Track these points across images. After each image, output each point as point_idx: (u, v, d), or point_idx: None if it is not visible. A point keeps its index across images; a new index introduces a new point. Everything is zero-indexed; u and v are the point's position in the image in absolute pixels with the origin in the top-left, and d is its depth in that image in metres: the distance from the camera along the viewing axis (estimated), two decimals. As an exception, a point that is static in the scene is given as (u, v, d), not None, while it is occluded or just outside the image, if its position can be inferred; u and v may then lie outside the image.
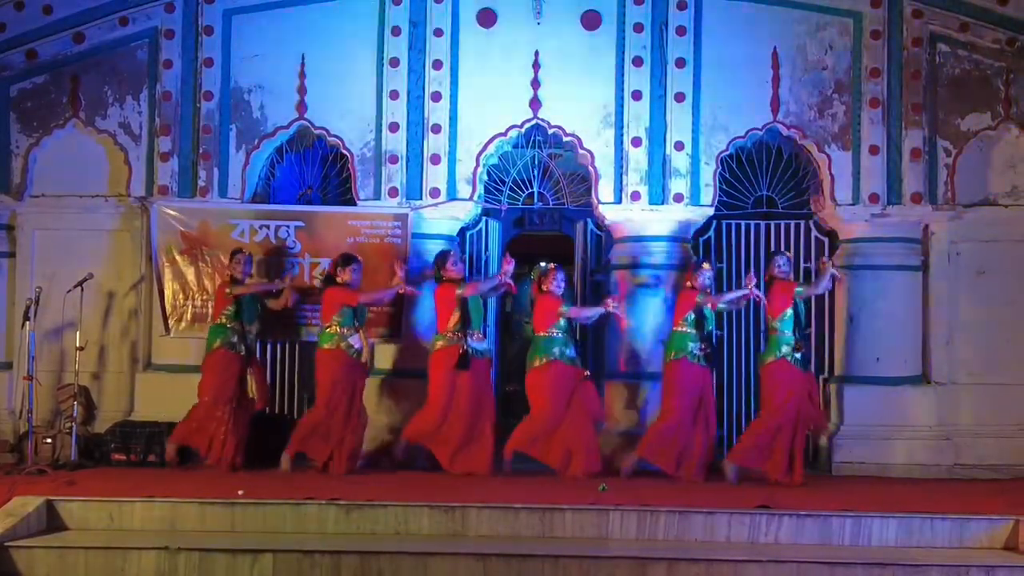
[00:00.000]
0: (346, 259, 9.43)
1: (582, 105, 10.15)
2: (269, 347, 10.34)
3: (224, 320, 9.51)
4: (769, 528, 7.63)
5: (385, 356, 10.10)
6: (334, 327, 9.31)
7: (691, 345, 9.29)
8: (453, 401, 9.32)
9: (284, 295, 9.68)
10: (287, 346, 10.42)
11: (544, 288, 9.49)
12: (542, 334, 9.40)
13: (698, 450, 9.23)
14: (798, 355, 9.16)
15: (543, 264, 11.62)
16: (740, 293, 9.49)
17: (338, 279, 9.38)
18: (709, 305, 9.32)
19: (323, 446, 9.27)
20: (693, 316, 9.32)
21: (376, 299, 9.64)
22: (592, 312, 9.76)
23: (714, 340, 9.55)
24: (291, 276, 9.78)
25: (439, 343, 9.43)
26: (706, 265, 9.48)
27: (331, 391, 9.26)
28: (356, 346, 9.32)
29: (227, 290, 9.55)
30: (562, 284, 9.55)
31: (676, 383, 9.30)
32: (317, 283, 9.72)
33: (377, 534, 7.67)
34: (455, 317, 9.38)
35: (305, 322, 9.98)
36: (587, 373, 9.47)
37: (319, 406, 9.32)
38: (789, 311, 9.23)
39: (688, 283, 9.45)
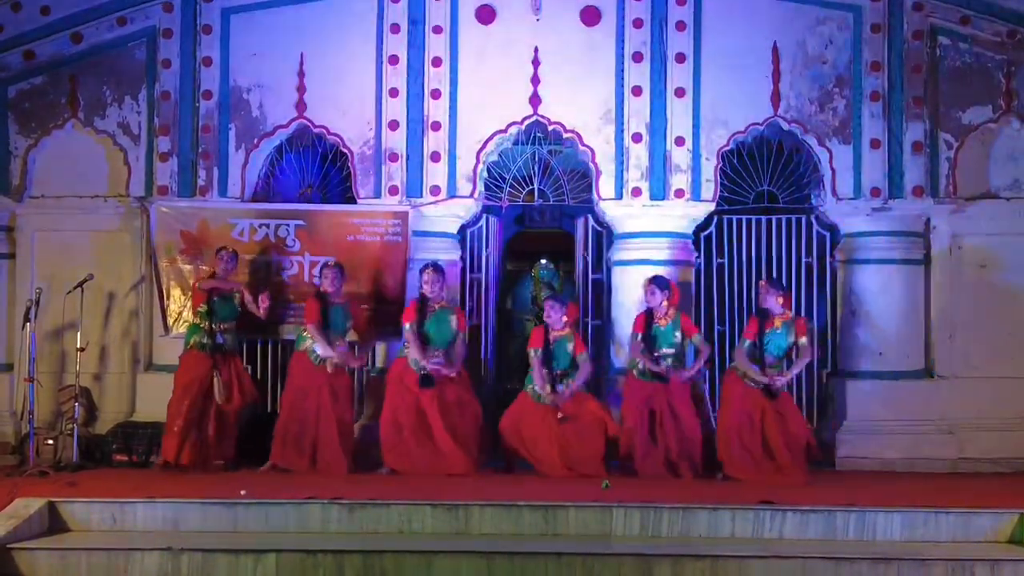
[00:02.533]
0: (323, 266, 9.54)
1: (582, 101, 10.14)
2: (269, 346, 10.34)
3: (197, 319, 9.49)
4: (773, 524, 7.61)
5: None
6: (305, 331, 9.43)
7: (638, 362, 9.44)
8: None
9: (259, 305, 9.59)
10: (279, 345, 10.42)
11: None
12: None
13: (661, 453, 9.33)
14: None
15: (543, 261, 11.64)
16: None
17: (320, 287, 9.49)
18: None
19: (297, 457, 9.30)
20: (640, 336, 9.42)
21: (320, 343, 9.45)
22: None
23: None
24: (267, 295, 9.58)
25: None
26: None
27: (291, 395, 9.40)
28: (318, 352, 9.32)
29: (197, 284, 9.56)
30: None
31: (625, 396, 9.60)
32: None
33: (380, 533, 7.64)
34: None
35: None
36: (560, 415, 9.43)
37: (282, 409, 9.46)
38: (747, 342, 9.29)
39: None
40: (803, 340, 9.28)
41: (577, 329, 9.89)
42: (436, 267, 9.53)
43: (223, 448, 9.46)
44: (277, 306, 9.81)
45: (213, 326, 9.42)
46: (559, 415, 9.29)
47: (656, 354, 9.35)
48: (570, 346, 9.49)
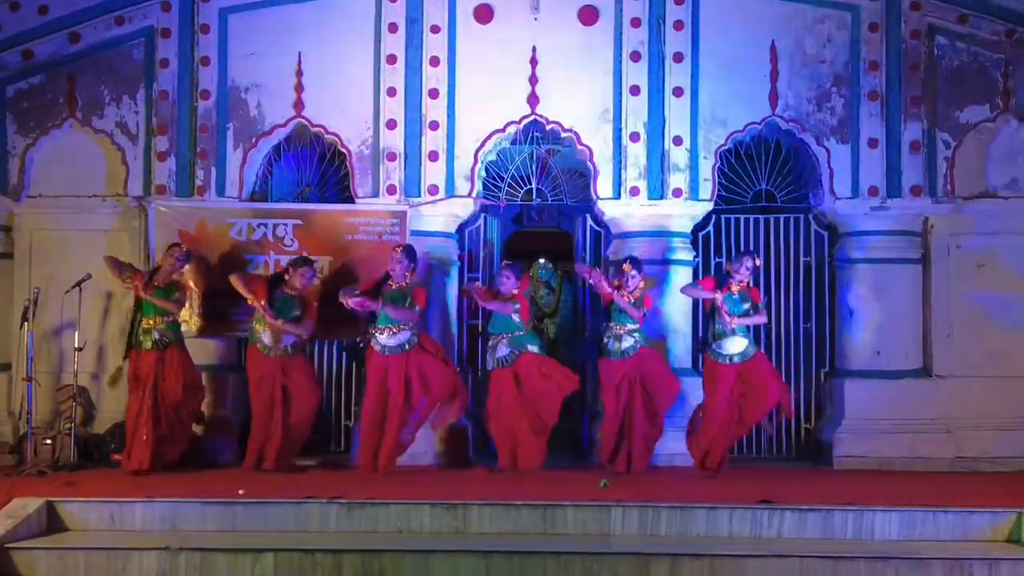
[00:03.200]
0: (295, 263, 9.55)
1: (580, 101, 10.14)
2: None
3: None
4: (771, 523, 7.63)
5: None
6: (255, 323, 9.48)
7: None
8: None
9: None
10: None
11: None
12: None
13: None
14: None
15: (541, 260, 11.63)
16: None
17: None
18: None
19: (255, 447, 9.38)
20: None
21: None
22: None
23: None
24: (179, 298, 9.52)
25: None
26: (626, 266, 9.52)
27: (251, 388, 9.50)
28: (265, 341, 9.38)
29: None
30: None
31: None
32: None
33: (379, 532, 7.67)
34: None
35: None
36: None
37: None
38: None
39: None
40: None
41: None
42: (406, 248, 9.48)
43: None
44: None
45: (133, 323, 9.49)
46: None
47: None
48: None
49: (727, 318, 9.17)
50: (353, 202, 10.19)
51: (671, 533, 7.62)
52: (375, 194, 10.13)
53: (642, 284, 9.50)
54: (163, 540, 7.33)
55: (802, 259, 10.40)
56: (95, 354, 10.17)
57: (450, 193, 10.14)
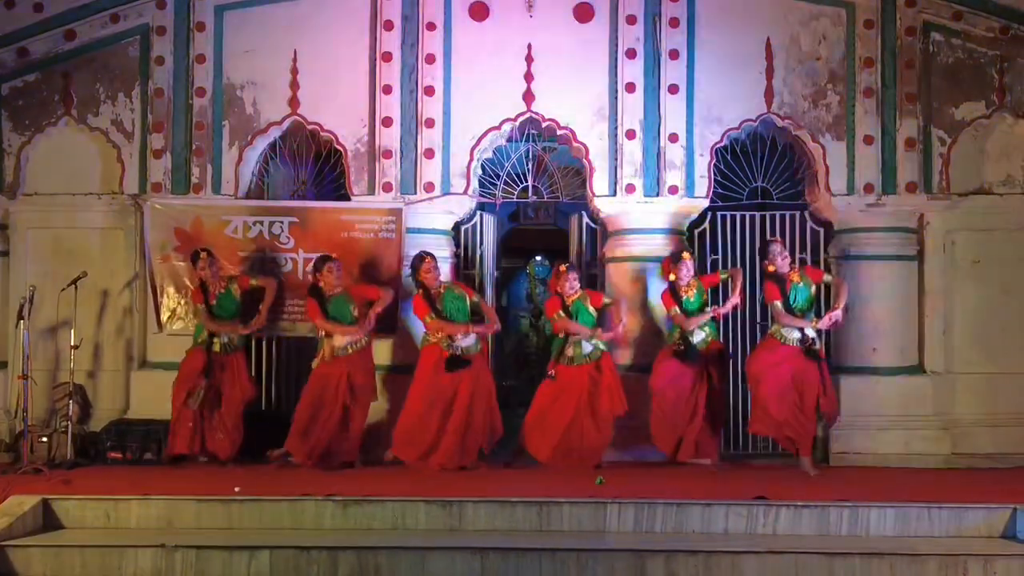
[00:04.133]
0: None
1: (576, 98, 10.13)
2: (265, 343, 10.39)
3: None
4: (767, 519, 7.63)
5: (382, 351, 10.04)
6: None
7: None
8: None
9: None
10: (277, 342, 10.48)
11: None
12: None
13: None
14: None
15: (538, 258, 11.64)
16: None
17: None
18: None
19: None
20: None
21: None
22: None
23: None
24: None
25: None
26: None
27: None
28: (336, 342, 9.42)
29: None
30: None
31: None
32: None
33: (374, 530, 7.66)
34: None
35: (282, 318, 10.01)
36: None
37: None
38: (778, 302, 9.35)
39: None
40: (827, 278, 9.51)
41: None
42: (431, 255, 9.57)
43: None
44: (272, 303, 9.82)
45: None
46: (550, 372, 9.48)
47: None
48: (588, 303, 9.61)
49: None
50: (349, 200, 10.19)
51: (667, 530, 7.62)
52: (371, 192, 10.12)
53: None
54: (159, 538, 7.31)
55: (798, 256, 10.38)
56: (91, 352, 10.18)
57: (446, 191, 10.14)
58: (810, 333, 9.22)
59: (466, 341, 9.38)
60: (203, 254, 9.56)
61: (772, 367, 9.20)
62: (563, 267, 9.68)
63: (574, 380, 9.46)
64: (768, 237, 9.89)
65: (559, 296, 9.59)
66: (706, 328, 9.56)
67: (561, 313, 9.48)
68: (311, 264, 9.61)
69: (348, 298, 9.50)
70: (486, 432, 9.44)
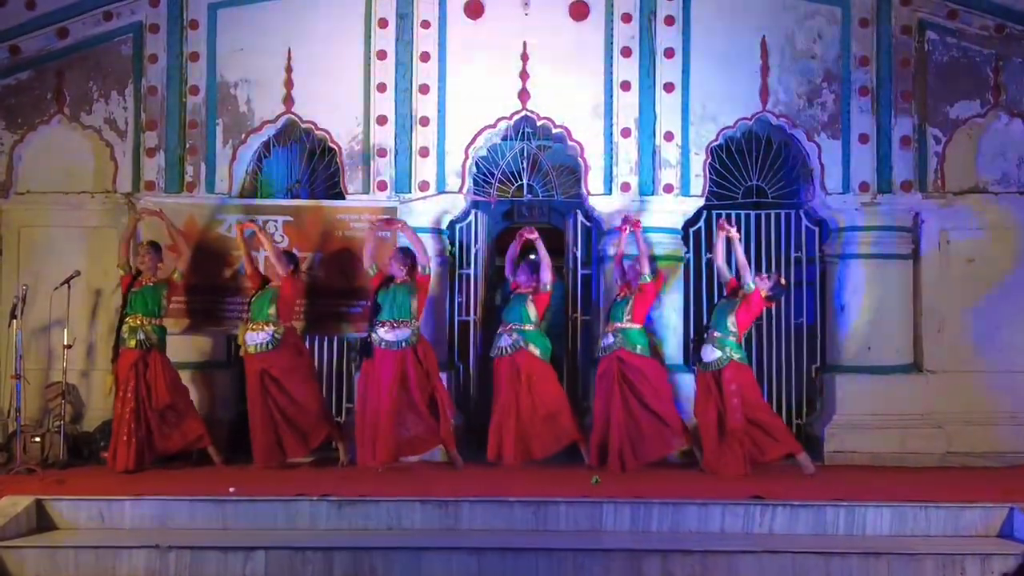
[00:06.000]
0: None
1: (571, 96, 10.11)
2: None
3: None
4: (763, 519, 7.62)
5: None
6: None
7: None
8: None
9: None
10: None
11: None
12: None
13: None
14: None
15: (532, 257, 11.61)
16: None
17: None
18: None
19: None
20: None
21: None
22: None
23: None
24: None
25: None
26: None
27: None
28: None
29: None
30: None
31: None
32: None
33: (369, 530, 7.64)
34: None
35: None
36: None
37: None
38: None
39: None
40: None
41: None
42: (403, 250, 9.51)
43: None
44: None
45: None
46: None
47: None
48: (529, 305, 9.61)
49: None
50: (343, 198, 10.15)
51: (663, 529, 7.61)
52: (365, 190, 10.09)
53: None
54: (153, 538, 7.28)
55: (793, 254, 10.39)
56: (84, 351, 10.13)
57: (441, 189, 10.11)
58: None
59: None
60: (146, 245, 9.49)
61: None
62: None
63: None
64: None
65: None
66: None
67: None
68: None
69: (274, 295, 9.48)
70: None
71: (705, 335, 9.36)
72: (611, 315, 9.59)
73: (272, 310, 9.39)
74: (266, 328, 9.35)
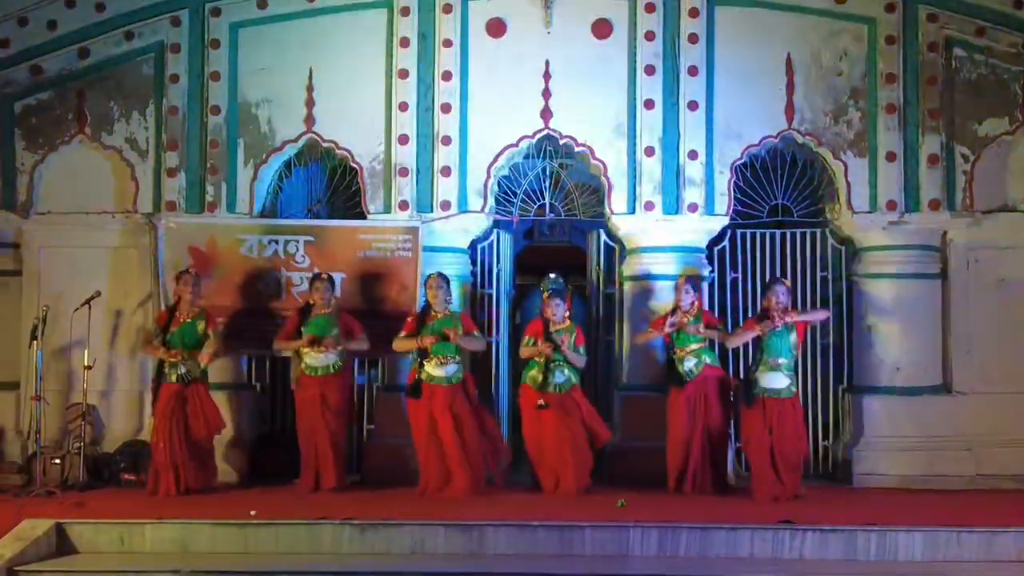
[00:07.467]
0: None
1: (594, 115, 10.05)
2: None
3: None
4: (793, 544, 7.51)
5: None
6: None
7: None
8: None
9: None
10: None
11: None
12: None
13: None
14: None
15: (552, 275, 11.54)
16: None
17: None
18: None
19: None
20: None
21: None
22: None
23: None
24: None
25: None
26: None
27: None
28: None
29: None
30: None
31: None
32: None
33: (392, 554, 7.56)
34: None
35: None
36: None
37: None
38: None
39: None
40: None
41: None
42: (440, 275, 9.43)
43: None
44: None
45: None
46: (539, 401, 9.17)
47: None
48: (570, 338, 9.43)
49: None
50: (364, 218, 10.10)
51: (691, 554, 7.50)
52: (387, 210, 10.04)
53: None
54: (174, 563, 7.23)
55: (819, 274, 10.28)
56: (105, 372, 10.06)
57: (463, 208, 10.05)
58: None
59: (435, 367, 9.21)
60: (189, 273, 9.43)
61: None
62: (546, 293, 9.63)
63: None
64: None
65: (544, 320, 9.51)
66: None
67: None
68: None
69: (333, 321, 9.39)
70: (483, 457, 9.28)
71: (768, 361, 9.13)
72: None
73: (336, 332, 9.35)
74: (332, 350, 9.32)
